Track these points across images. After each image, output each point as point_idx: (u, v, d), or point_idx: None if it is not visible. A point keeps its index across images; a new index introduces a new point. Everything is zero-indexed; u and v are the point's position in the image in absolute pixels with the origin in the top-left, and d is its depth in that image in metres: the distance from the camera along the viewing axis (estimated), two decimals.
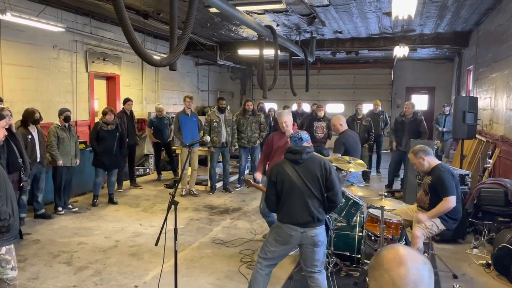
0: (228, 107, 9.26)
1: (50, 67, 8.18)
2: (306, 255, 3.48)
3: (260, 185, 4.67)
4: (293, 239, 3.41)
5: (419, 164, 4.42)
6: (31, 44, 7.71)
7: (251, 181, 4.09)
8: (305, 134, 3.69)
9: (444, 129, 10.83)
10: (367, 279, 4.10)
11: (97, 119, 8.22)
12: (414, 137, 7.94)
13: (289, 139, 3.63)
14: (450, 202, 4.15)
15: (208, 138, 4.18)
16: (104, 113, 7.30)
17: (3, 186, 2.91)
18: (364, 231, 4.63)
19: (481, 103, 8.19)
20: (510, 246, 4.35)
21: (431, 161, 4.40)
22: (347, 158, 5.16)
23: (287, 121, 5.04)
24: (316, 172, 3.39)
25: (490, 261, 4.70)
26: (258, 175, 5.26)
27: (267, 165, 5.25)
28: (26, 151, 5.62)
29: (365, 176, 9.26)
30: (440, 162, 4.47)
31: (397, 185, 8.86)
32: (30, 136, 5.99)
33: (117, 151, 7.37)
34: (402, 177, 8.41)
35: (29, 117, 6.01)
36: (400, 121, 8.43)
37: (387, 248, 1.24)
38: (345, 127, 6.09)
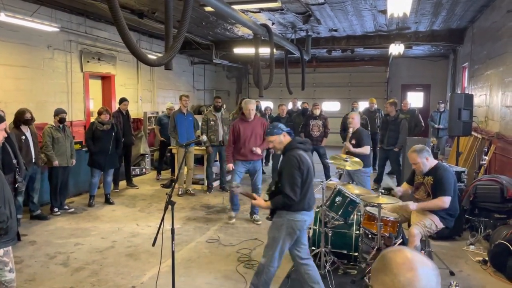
0: (224, 106, 9.25)
1: (45, 67, 8.13)
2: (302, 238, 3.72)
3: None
4: (306, 224, 3.66)
5: (421, 163, 4.28)
6: (26, 44, 7.66)
7: (244, 192, 4.06)
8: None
9: (440, 126, 10.87)
10: (367, 280, 4.11)
11: (92, 119, 8.17)
12: (395, 136, 8.18)
13: (282, 131, 3.70)
14: (445, 202, 4.14)
15: (205, 137, 4.17)
16: (100, 113, 7.26)
17: (1, 188, 2.90)
18: (361, 229, 4.64)
19: (476, 100, 8.22)
20: (507, 243, 4.37)
21: (432, 161, 4.38)
22: (344, 156, 5.17)
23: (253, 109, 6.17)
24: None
25: (486, 258, 4.72)
26: (231, 166, 6.22)
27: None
28: (21, 152, 5.59)
29: None
30: (437, 161, 4.47)
31: (388, 182, 8.91)
32: (23, 137, 5.95)
33: (113, 151, 7.33)
34: (387, 172, 9.01)
35: (20, 117, 5.96)
36: (385, 121, 8.61)
37: (394, 251, 1.21)
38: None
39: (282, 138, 3.71)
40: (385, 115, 8.93)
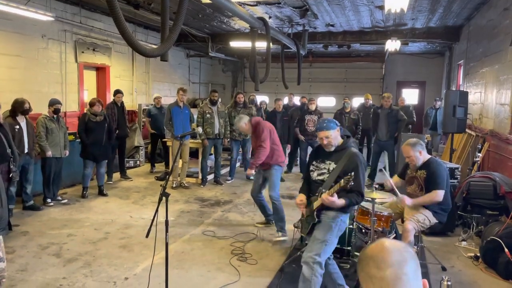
0: (220, 99, 9.22)
1: (39, 57, 8.05)
2: None
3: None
4: None
5: (415, 157, 4.32)
6: (19, 33, 7.57)
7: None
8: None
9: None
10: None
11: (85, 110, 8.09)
12: (393, 128, 8.15)
13: (337, 126, 3.44)
14: (438, 196, 4.17)
15: (200, 129, 4.14)
16: (92, 104, 7.17)
17: None
18: (354, 223, 4.65)
19: (471, 98, 8.26)
20: (498, 239, 4.41)
21: (425, 155, 4.41)
22: None
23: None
24: None
25: (478, 254, 4.76)
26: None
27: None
28: (14, 142, 5.54)
29: None
30: (430, 156, 4.50)
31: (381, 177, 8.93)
32: (18, 127, 5.90)
33: (106, 142, 7.31)
34: (380, 168, 8.75)
35: (19, 107, 5.92)
36: (376, 113, 8.52)
37: (373, 242, 1.29)
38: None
39: (337, 134, 3.40)
40: (376, 107, 8.87)
